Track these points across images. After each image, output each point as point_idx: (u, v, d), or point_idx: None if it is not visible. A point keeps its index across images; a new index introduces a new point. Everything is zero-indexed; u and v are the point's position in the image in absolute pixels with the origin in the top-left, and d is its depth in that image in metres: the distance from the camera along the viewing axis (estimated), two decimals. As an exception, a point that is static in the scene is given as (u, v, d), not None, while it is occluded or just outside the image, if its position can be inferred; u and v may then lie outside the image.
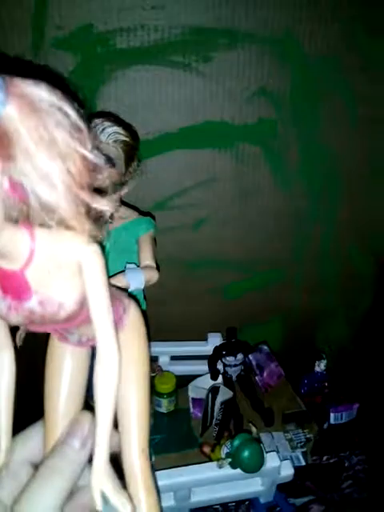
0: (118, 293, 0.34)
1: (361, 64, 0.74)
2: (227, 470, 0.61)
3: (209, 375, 0.84)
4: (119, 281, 0.53)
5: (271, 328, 0.96)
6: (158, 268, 0.59)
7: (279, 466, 0.64)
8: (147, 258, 0.57)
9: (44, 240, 0.26)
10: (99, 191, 0.25)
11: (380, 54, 0.73)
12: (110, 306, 0.29)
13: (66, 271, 0.27)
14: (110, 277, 0.54)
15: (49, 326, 0.30)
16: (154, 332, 0.83)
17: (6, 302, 0.28)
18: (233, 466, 0.60)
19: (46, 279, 0.27)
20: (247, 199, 0.83)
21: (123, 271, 0.55)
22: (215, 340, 0.89)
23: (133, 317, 0.35)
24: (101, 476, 0.28)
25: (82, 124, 0.22)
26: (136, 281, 0.54)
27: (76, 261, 0.27)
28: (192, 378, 0.87)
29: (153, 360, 0.88)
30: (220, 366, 0.86)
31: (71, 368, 0.34)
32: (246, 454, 0.57)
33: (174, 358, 0.90)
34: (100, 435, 0.28)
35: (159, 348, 0.89)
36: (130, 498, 0.30)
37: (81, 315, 0.29)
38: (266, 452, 0.64)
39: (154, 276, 0.56)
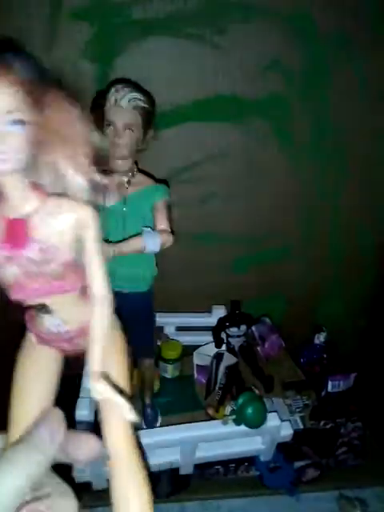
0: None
1: (372, 41, 0.75)
2: (231, 427, 0.65)
3: (213, 344, 0.87)
4: (136, 243, 0.56)
5: (274, 302, 0.99)
6: (172, 232, 0.61)
7: (279, 425, 0.68)
8: (162, 223, 0.59)
9: (50, 199, 0.34)
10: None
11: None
12: (102, 257, 0.36)
13: (64, 225, 0.34)
14: (126, 239, 0.57)
15: (41, 283, 0.35)
16: (161, 303, 0.88)
17: (3, 252, 0.32)
18: (237, 422, 0.63)
19: (47, 231, 0.34)
20: (256, 174, 0.85)
21: (139, 234, 0.57)
22: (219, 312, 0.92)
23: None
24: (99, 379, 0.32)
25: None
26: (152, 243, 0.56)
27: (74, 217, 0.34)
28: (196, 348, 0.90)
29: (159, 329, 0.92)
30: (223, 337, 0.89)
31: (45, 370, 0.37)
32: (249, 410, 0.61)
33: (179, 328, 0.94)
34: (97, 348, 0.34)
35: (165, 318, 0.92)
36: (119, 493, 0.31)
37: (72, 275, 0.36)
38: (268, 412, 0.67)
39: (169, 240, 0.58)
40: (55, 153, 0.34)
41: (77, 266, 0.36)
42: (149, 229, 0.58)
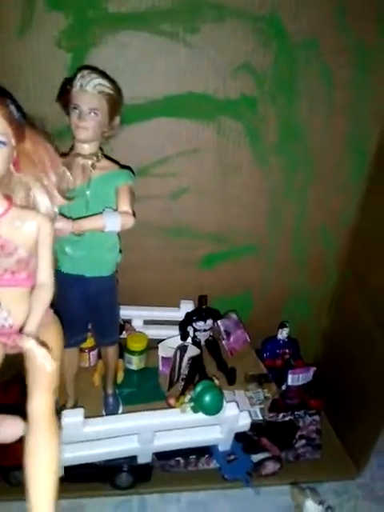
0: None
1: (340, 48, 0.78)
2: (189, 415, 0.66)
3: (179, 337, 0.88)
4: (96, 221, 0.57)
5: (242, 299, 1.01)
6: (134, 215, 0.62)
7: (237, 415, 0.69)
8: (125, 205, 0.61)
9: (17, 208, 0.46)
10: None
11: (359, 40, 0.78)
12: (51, 258, 0.48)
13: (26, 229, 0.45)
14: (87, 217, 0.57)
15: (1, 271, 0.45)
16: (130, 296, 0.88)
17: None
18: (194, 410, 0.64)
19: (10, 231, 0.45)
20: (227, 173, 0.87)
21: (101, 213, 0.58)
22: (187, 307, 0.93)
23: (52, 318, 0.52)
24: (31, 336, 0.40)
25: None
26: (112, 223, 0.57)
27: (35, 224, 0.46)
28: (163, 341, 0.91)
29: (126, 321, 0.92)
30: (190, 331, 0.90)
31: None
32: (206, 398, 0.62)
33: (146, 322, 0.94)
34: (37, 309, 0.44)
35: (133, 311, 0.93)
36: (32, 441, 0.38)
37: (23, 273, 0.46)
38: (227, 402, 0.69)
39: (129, 221, 0.60)
40: (27, 174, 0.46)
41: (29, 266, 0.47)
42: (110, 209, 0.60)
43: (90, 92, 0.55)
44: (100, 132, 0.59)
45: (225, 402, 0.68)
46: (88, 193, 0.59)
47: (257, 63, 0.77)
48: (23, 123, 0.45)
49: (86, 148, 0.59)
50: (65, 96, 0.57)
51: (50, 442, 0.38)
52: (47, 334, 0.46)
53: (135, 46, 0.73)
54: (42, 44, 0.71)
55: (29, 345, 0.39)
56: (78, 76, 0.56)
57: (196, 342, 0.89)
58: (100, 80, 0.56)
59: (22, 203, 0.46)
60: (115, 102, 0.59)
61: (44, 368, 0.39)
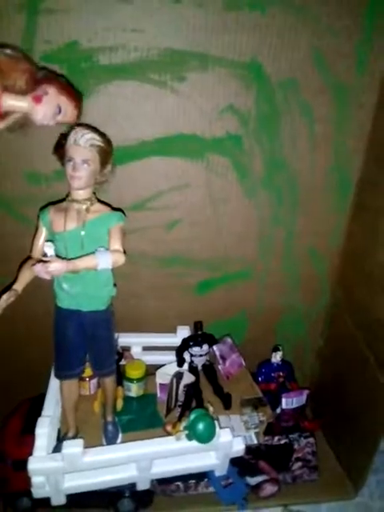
0: None
1: (319, 87, 0.84)
2: (184, 443, 0.69)
3: (176, 363, 0.91)
4: (89, 260, 0.62)
5: (236, 323, 1.04)
6: (124, 252, 0.67)
7: (231, 440, 0.72)
8: (116, 244, 0.65)
9: None
10: None
11: (337, 78, 0.83)
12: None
13: None
14: (81, 256, 0.62)
15: None
16: (129, 323, 0.92)
17: None
18: (189, 438, 0.67)
19: None
20: (217, 204, 0.92)
21: (93, 253, 0.63)
22: (184, 333, 0.97)
23: None
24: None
25: None
26: (104, 261, 0.62)
27: None
28: (162, 366, 0.94)
29: (125, 349, 0.96)
30: (187, 357, 0.93)
31: None
32: (200, 426, 0.65)
33: (145, 348, 0.98)
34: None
35: (132, 338, 0.96)
36: None
37: None
38: (221, 428, 0.72)
39: (120, 258, 0.64)
40: None
41: None
42: (103, 248, 0.64)
43: (82, 146, 0.61)
44: (93, 179, 0.64)
45: (218, 428, 0.70)
46: (83, 234, 0.64)
47: (240, 104, 0.82)
48: None
49: (81, 194, 0.65)
50: (60, 150, 0.62)
51: None
52: None
53: (126, 93, 0.78)
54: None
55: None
56: (72, 132, 0.61)
57: (193, 368, 0.92)
58: (91, 135, 0.61)
59: None
60: (106, 153, 0.64)
61: None
